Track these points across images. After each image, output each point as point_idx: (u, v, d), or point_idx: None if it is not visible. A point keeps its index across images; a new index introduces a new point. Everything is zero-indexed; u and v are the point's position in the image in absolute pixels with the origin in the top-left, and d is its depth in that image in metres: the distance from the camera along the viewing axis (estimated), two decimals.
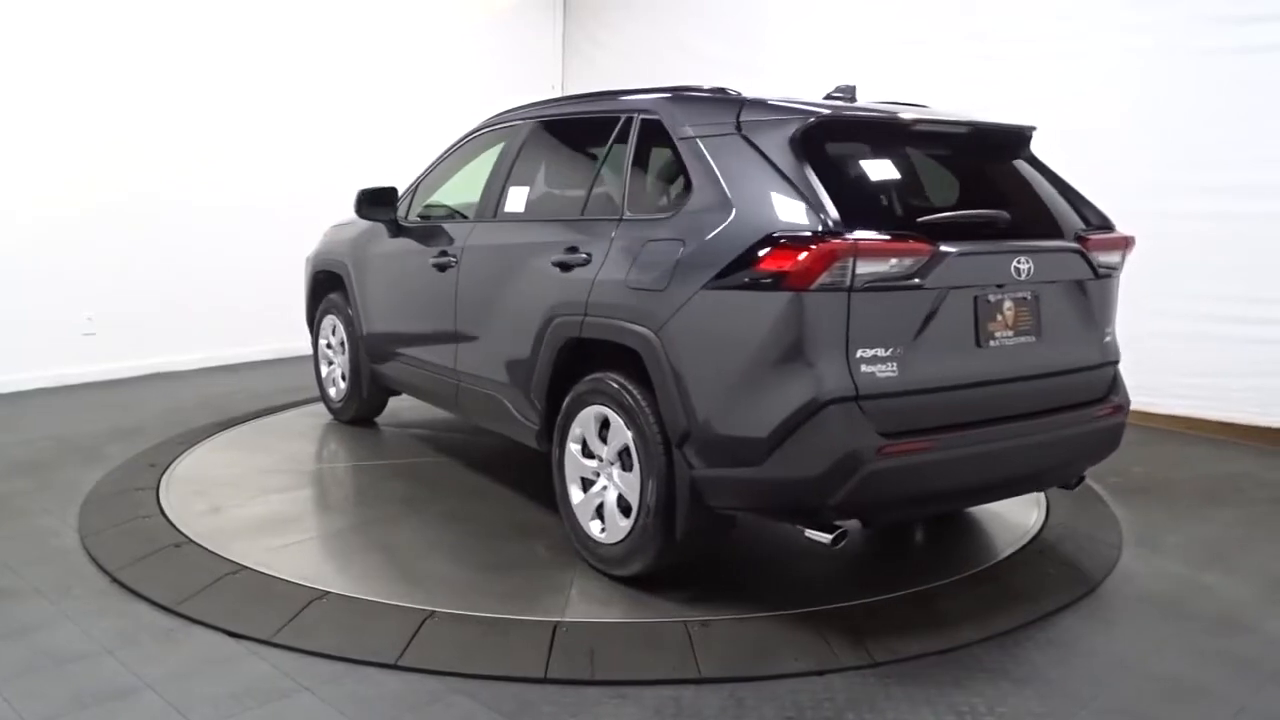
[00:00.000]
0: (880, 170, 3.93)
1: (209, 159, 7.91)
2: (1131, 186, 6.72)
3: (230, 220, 8.06)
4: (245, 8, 8.11)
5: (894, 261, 3.29)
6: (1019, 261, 3.56)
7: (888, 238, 3.32)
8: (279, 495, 4.85)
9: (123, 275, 7.44)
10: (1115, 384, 4.04)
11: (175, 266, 7.73)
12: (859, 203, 3.59)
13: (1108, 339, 4.00)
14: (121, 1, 7.30)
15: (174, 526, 4.33)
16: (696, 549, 3.84)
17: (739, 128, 3.65)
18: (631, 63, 9.91)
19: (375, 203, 5.46)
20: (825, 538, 3.38)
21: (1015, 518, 4.69)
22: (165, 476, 5.04)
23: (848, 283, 3.21)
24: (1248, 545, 4.51)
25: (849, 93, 4.32)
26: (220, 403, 6.70)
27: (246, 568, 3.90)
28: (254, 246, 8.19)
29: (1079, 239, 3.83)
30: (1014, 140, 4.18)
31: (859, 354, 3.26)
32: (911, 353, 3.35)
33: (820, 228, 3.24)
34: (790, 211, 3.35)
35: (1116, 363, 4.06)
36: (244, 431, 6.07)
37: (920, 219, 3.50)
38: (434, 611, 3.56)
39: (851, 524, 3.50)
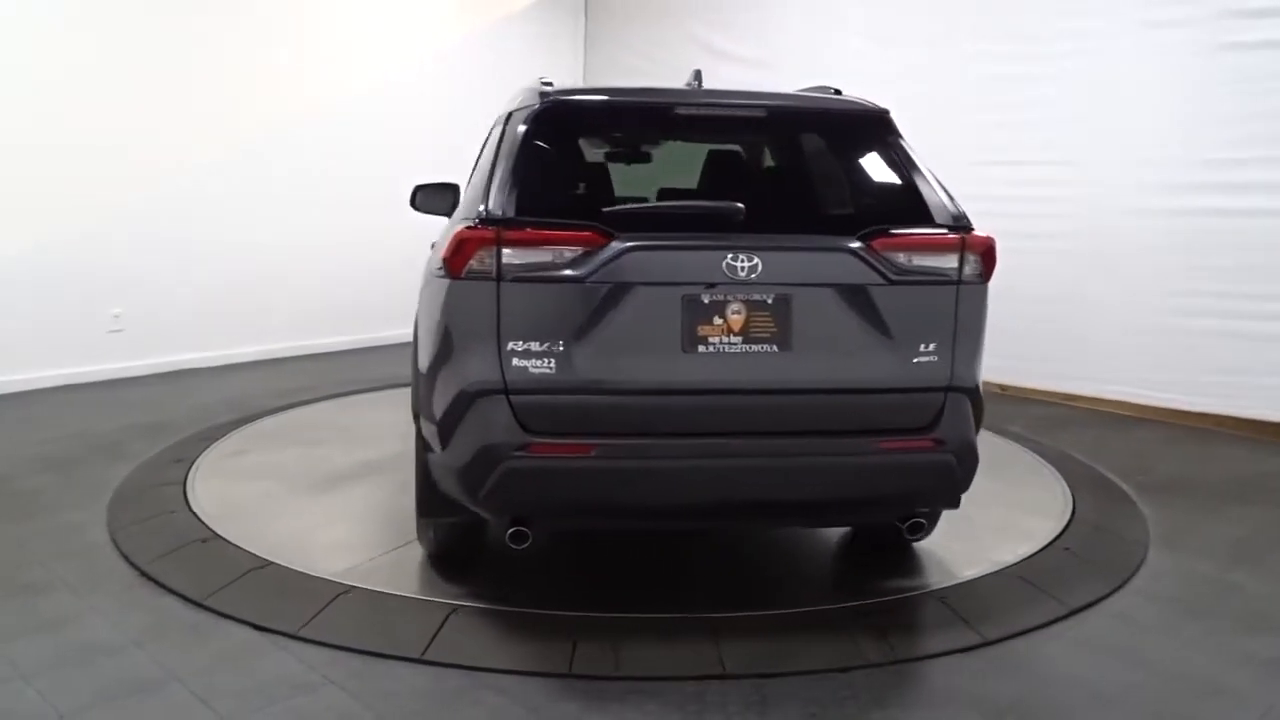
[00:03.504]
0: (607, 157, 3.83)
1: (239, 157, 7.95)
2: (1160, 183, 6.70)
3: (258, 218, 8.12)
4: (276, 6, 8.17)
5: (555, 251, 3.12)
6: (735, 259, 3.16)
7: (537, 227, 3.15)
8: (304, 489, 4.88)
9: (150, 272, 7.50)
10: (943, 415, 3.34)
11: (201, 264, 7.78)
12: (558, 192, 3.53)
13: (926, 359, 3.32)
14: (147, 6, 7.36)
15: (200, 521, 4.37)
16: (449, 534, 3.85)
17: (508, 119, 3.58)
18: (651, 59, 9.93)
19: (427, 196, 5.49)
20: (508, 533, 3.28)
21: (1040, 514, 4.67)
22: (191, 472, 5.08)
23: (494, 272, 3.11)
24: (1276, 544, 4.46)
25: (696, 78, 4.12)
26: (245, 399, 6.74)
27: (272, 562, 3.93)
28: (280, 244, 8.25)
29: (866, 238, 3.27)
30: (848, 124, 3.76)
31: (510, 346, 3.12)
32: (578, 349, 3.14)
33: (483, 215, 3.19)
34: (480, 200, 3.29)
35: (954, 390, 3.36)
36: (268, 426, 6.11)
37: (606, 209, 3.28)
38: (458, 606, 3.58)
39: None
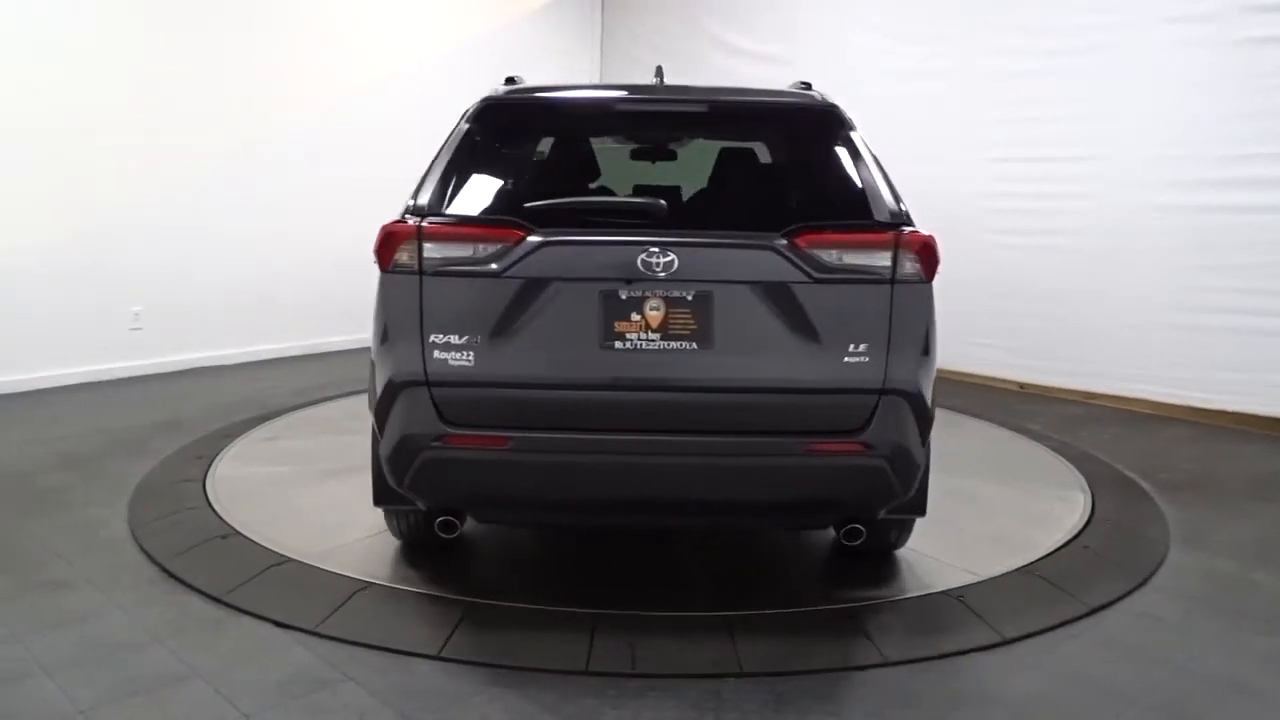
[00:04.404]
0: (542, 154, 3.87)
1: (256, 157, 8.00)
2: (1179, 179, 6.66)
3: (277, 216, 8.16)
4: (292, 7, 8.21)
5: (474, 246, 3.19)
6: (650, 255, 3.14)
7: (455, 222, 3.25)
8: (323, 486, 4.90)
9: (170, 271, 7.55)
10: (875, 418, 3.20)
11: (220, 262, 7.83)
12: (492, 188, 3.55)
13: (857, 360, 3.18)
14: (169, 3, 7.41)
15: (220, 518, 4.39)
16: (410, 522, 3.90)
17: (464, 115, 3.64)
18: (669, 57, 9.90)
19: None
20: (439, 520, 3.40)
21: (1059, 512, 4.64)
22: (211, 469, 5.11)
23: (417, 266, 3.19)
24: None
25: (658, 75, 4.15)
26: (263, 397, 6.78)
27: (291, 559, 3.95)
28: (299, 243, 8.29)
29: (791, 234, 3.19)
30: (794, 119, 3.77)
31: (432, 339, 3.19)
32: (495, 343, 3.18)
33: (409, 209, 3.30)
34: (413, 194, 3.39)
35: (889, 393, 3.20)
36: (287, 424, 6.14)
37: (527, 205, 3.32)
38: (476, 603, 3.59)
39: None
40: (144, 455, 5.36)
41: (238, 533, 4.22)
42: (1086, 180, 7.10)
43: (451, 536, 3.39)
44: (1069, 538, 4.34)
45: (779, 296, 3.18)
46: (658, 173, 4.47)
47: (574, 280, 3.19)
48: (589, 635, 3.35)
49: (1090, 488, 5.02)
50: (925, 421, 3.32)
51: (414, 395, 3.21)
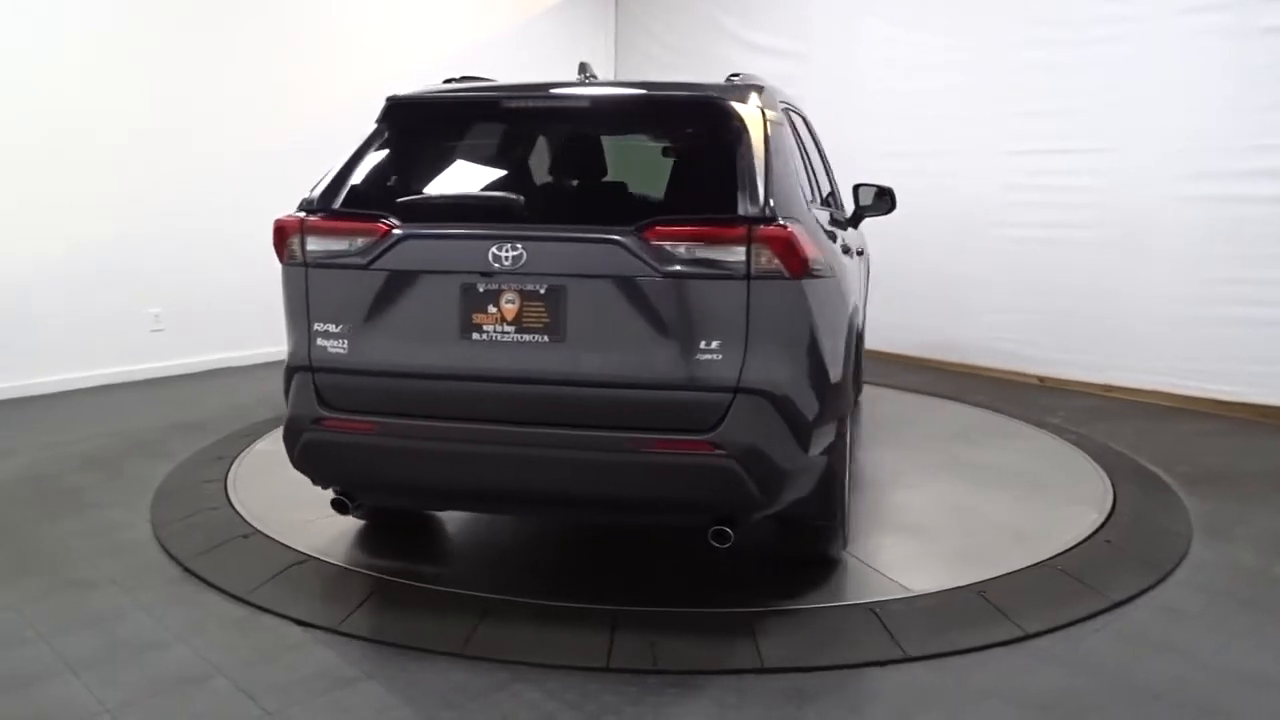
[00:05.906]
0: (443, 150, 3.96)
1: (270, 157, 8.01)
2: (1199, 171, 6.61)
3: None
4: (306, 6, 8.24)
5: (349, 240, 3.35)
6: (500, 249, 3.18)
7: (333, 217, 3.41)
8: None
9: (188, 272, 7.59)
10: (727, 418, 3.11)
11: (239, 263, 7.82)
12: (390, 184, 3.63)
13: (708, 357, 3.11)
14: (184, 4, 7.46)
15: (242, 518, 4.42)
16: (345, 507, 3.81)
17: None
18: (683, 54, 9.92)
19: None
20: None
21: (1080, 505, 4.62)
22: (232, 469, 5.14)
23: (302, 259, 3.39)
24: None
25: (586, 69, 4.16)
26: (282, 396, 6.78)
27: (313, 557, 3.97)
28: None
29: (640, 229, 3.12)
30: (684, 114, 3.76)
31: (316, 327, 3.39)
32: (364, 332, 3.35)
33: (302, 205, 3.48)
34: (311, 189, 3.55)
35: (745, 392, 3.12)
36: None
37: (400, 199, 3.49)
38: (496, 600, 3.59)
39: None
40: (165, 456, 5.40)
41: (259, 532, 4.24)
42: (1105, 173, 7.06)
43: (344, 515, 3.61)
44: (1090, 531, 4.30)
45: (629, 291, 3.16)
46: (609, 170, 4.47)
47: (434, 273, 3.32)
48: (609, 632, 3.36)
49: (1111, 480, 4.99)
50: (800, 425, 3.24)
51: (302, 380, 3.44)
